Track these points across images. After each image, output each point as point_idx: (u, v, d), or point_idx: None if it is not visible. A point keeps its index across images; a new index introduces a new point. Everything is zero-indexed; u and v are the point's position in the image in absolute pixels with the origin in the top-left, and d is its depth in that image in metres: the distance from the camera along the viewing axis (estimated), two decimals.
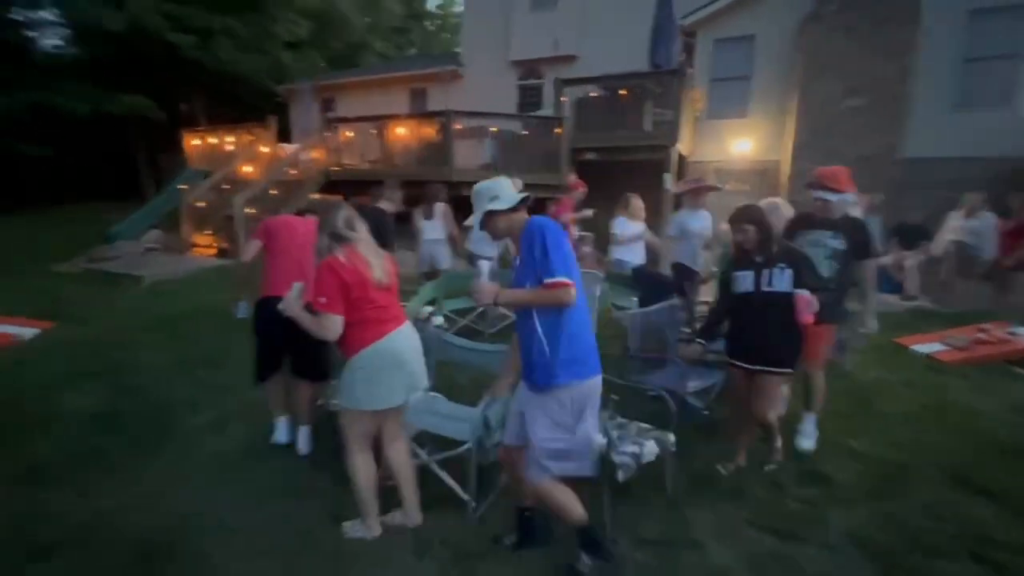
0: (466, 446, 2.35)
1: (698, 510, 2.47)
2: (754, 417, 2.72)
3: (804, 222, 3.03)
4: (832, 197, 2.85)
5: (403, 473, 2.29)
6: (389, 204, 4.28)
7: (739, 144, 9.66)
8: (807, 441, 3.03)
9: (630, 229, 4.90)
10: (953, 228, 6.31)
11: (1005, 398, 3.87)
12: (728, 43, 9.78)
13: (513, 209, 1.97)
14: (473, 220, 2.00)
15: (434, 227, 5.17)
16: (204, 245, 8.97)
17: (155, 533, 2.30)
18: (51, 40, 16.22)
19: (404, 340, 2.22)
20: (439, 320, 3.53)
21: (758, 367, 2.60)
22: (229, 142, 11.69)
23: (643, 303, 4.19)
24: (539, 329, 1.87)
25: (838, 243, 2.85)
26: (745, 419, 2.80)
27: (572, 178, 6.85)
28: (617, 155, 8.84)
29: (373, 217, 3.89)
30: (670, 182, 8.47)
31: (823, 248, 2.87)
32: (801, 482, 2.75)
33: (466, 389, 3.31)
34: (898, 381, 4.18)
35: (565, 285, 1.80)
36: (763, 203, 3.39)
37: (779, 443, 2.86)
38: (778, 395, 2.75)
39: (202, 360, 4.27)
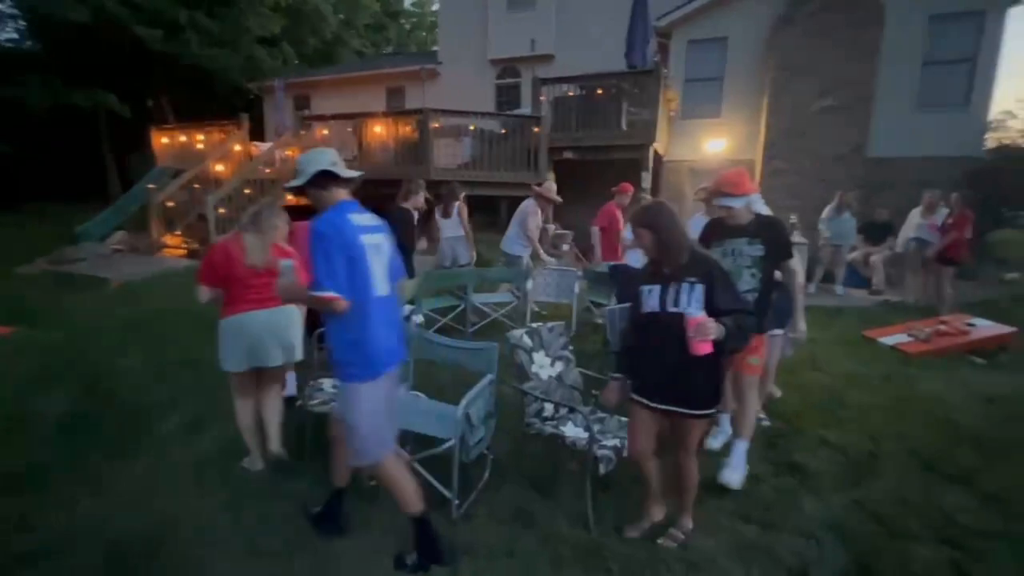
0: (448, 443, 2.33)
1: (679, 502, 2.50)
2: (677, 467, 2.24)
3: (717, 230, 2.73)
4: (736, 203, 2.60)
5: (269, 417, 2.74)
6: (413, 204, 4.60)
7: (713, 143, 9.85)
8: (734, 475, 2.62)
9: None
10: (914, 225, 6.56)
11: (967, 387, 4.04)
12: (701, 44, 9.96)
13: (312, 185, 1.95)
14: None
15: (453, 224, 5.36)
16: (174, 246, 8.70)
17: (135, 538, 2.22)
18: (6, 32, 15.52)
19: (253, 320, 2.60)
20: (419, 319, 3.50)
21: (667, 407, 2.09)
22: (200, 140, 11.36)
23: (621, 299, 4.23)
24: (328, 327, 1.94)
25: (756, 249, 2.59)
26: (650, 475, 2.28)
27: (645, 178, 6.97)
28: (594, 154, 8.91)
29: (398, 218, 4.31)
30: (648, 181, 8.58)
31: (742, 257, 2.61)
32: (778, 472, 2.81)
33: (447, 387, 3.29)
34: (869, 373, 4.32)
35: (327, 300, 1.79)
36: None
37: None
38: (697, 443, 2.21)
39: (175, 361, 4.14)
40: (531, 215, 5.18)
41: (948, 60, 8.61)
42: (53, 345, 4.53)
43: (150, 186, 9.38)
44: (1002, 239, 8.99)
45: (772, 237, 2.60)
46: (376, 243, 1.97)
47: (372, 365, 1.93)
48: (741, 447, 2.69)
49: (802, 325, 2.78)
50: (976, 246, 7.81)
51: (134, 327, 4.99)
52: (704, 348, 1.90)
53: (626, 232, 4.71)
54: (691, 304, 1.98)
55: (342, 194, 2.00)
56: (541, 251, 5.43)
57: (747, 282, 2.60)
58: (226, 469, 2.73)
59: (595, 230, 5.41)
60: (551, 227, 5.42)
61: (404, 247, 4.45)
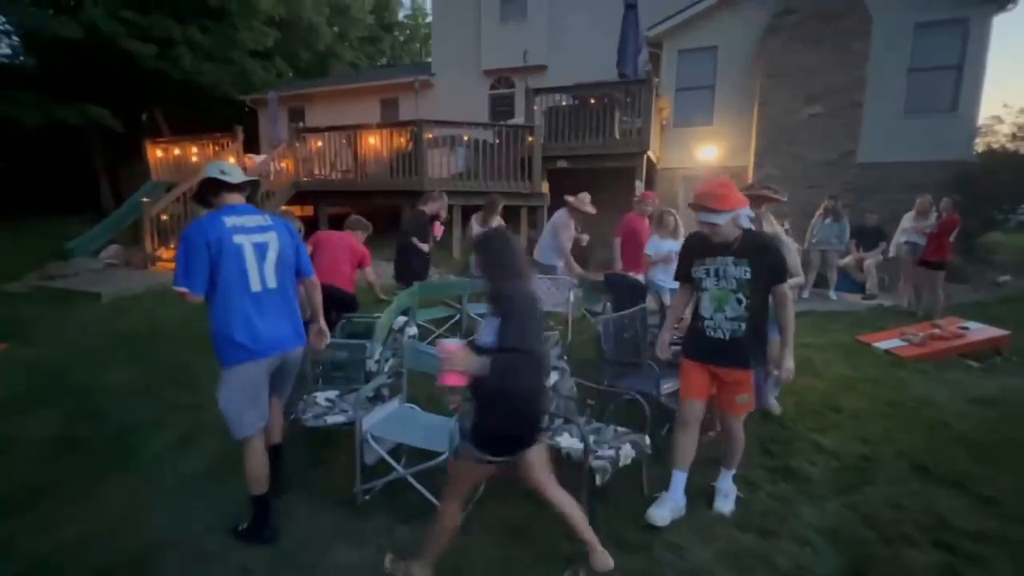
0: (443, 456, 2.32)
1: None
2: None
3: (699, 247, 2.41)
4: (719, 219, 2.26)
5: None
6: (430, 208, 5.00)
7: (705, 151, 9.93)
8: (725, 504, 2.53)
9: (664, 247, 4.34)
10: (905, 229, 6.62)
11: (961, 390, 4.06)
12: (692, 54, 10.09)
13: (201, 194, 2.28)
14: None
15: None
16: (168, 259, 8.66)
17: (122, 561, 2.19)
18: (0, 49, 15.54)
19: None
20: (413, 330, 3.50)
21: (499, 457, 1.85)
22: (194, 153, 11.37)
23: (616, 308, 4.24)
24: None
25: (742, 271, 2.28)
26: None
27: (639, 186, 6.89)
28: (588, 163, 8.97)
29: (410, 219, 5.08)
30: (641, 189, 8.63)
31: (726, 280, 2.32)
32: (773, 479, 2.81)
33: (442, 400, 3.28)
34: (863, 377, 4.34)
35: (180, 295, 2.14)
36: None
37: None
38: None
39: (166, 379, 4.11)
40: (563, 227, 5.09)
41: (935, 66, 8.75)
42: (43, 362, 4.50)
43: (144, 199, 9.35)
44: (993, 242, 9.07)
45: (760, 258, 2.29)
46: (258, 242, 2.18)
47: (235, 352, 2.14)
48: (728, 476, 2.56)
49: (789, 363, 2.39)
50: (967, 249, 7.90)
51: (126, 343, 4.96)
52: (451, 379, 1.69)
53: (649, 249, 4.42)
54: (485, 335, 1.82)
55: (232, 198, 2.25)
56: (574, 263, 5.26)
57: (733, 308, 2.32)
58: (215, 487, 2.70)
59: (616, 241, 5.20)
60: (584, 237, 5.37)
61: (412, 247, 4.79)
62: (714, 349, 2.39)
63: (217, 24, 15.05)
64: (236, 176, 2.25)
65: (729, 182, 2.38)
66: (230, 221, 2.13)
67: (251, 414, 2.21)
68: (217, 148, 10.82)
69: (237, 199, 2.27)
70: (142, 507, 2.56)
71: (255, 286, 2.16)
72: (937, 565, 2.16)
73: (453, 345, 1.71)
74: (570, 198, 5.16)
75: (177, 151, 11.61)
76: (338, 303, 3.68)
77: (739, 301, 2.31)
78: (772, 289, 2.33)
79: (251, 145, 12.30)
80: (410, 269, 4.83)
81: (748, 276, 2.28)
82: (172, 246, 8.82)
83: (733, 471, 2.58)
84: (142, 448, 3.12)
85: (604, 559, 1.96)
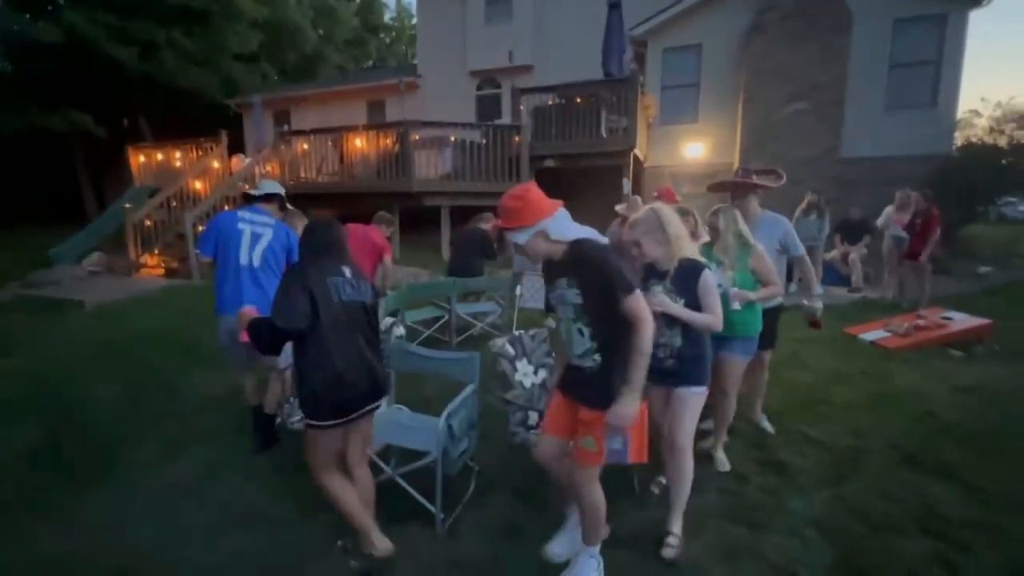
0: (431, 457, 2.30)
1: (666, 507, 2.48)
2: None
3: (546, 271, 2.02)
4: (516, 237, 1.86)
5: None
6: (490, 226, 5.22)
7: (691, 148, 9.99)
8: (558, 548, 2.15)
9: None
10: (889, 223, 6.70)
11: (945, 380, 4.11)
12: (677, 52, 10.15)
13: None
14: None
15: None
16: (152, 266, 8.55)
17: (104, 573, 2.14)
18: None
19: None
20: (400, 331, 3.47)
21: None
22: (178, 158, 11.23)
23: None
24: None
25: (574, 295, 1.86)
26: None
27: (626, 185, 6.90)
28: (575, 162, 8.99)
29: (475, 236, 5.35)
30: (629, 187, 8.66)
31: (566, 307, 1.92)
32: (763, 472, 2.82)
33: (431, 400, 3.26)
34: (850, 369, 4.37)
35: (196, 255, 3.42)
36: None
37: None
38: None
39: (151, 387, 4.04)
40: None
41: (914, 62, 8.87)
42: (23, 372, 4.40)
43: (127, 205, 9.21)
44: (974, 234, 9.22)
45: (585, 276, 1.83)
46: (256, 232, 3.02)
47: (218, 304, 2.96)
48: (587, 557, 2.03)
49: (623, 407, 1.75)
50: (949, 242, 8.02)
51: (109, 351, 4.87)
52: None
53: None
54: None
55: (251, 202, 3.20)
56: None
57: (579, 342, 1.89)
58: (200, 496, 2.65)
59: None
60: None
61: (476, 261, 5.27)
62: (571, 379, 1.98)
63: (201, 27, 14.88)
64: (259, 190, 3.26)
65: (526, 190, 1.90)
66: (242, 215, 3.04)
67: (227, 353, 3.01)
68: (201, 152, 10.69)
69: (260, 204, 3.17)
70: (125, 518, 2.50)
71: (243, 260, 2.94)
72: (926, 553, 2.17)
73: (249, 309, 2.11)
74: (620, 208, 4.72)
75: (160, 156, 11.45)
76: None
77: (580, 332, 1.88)
78: (622, 302, 1.75)
79: (236, 149, 12.17)
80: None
81: (580, 300, 1.86)
82: (156, 252, 8.71)
83: (592, 548, 2.02)
84: (125, 458, 3.06)
85: (383, 543, 2.07)
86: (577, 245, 1.85)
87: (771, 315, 2.93)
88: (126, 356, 4.75)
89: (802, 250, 3.04)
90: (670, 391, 2.24)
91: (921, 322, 5.11)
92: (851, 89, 8.92)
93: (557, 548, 2.15)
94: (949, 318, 5.18)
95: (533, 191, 1.90)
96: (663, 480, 2.48)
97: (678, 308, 2.18)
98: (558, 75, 10.28)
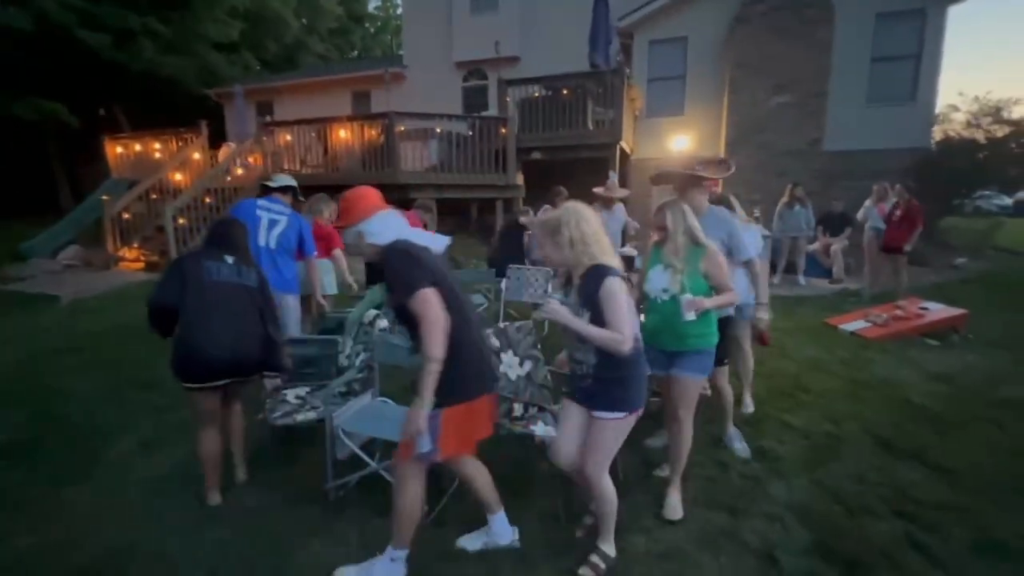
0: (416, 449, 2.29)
1: (648, 495, 2.52)
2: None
3: (369, 273, 2.26)
4: (347, 235, 1.95)
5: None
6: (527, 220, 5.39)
7: (677, 141, 10.04)
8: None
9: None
10: (868, 215, 6.82)
11: (922, 368, 4.21)
12: (663, 44, 10.16)
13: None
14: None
15: None
16: (131, 259, 8.37)
17: (85, 569, 2.11)
18: None
19: None
20: (384, 323, 3.45)
21: None
22: (157, 149, 10.99)
23: None
24: None
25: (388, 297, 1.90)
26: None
27: (612, 177, 7.15)
28: (562, 154, 8.98)
29: (514, 227, 5.62)
30: (615, 179, 8.67)
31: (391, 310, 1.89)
32: (744, 459, 2.87)
33: None
34: (830, 358, 4.46)
35: None
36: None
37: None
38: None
39: (130, 381, 3.97)
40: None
41: (895, 56, 9.00)
42: None
43: (104, 197, 8.99)
44: (951, 226, 9.42)
45: (386, 278, 1.84)
46: (273, 219, 3.44)
47: None
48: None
49: (416, 420, 1.77)
50: (927, 234, 8.18)
51: (87, 345, 4.78)
52: None
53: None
54: None
55: (269, 193, 3.62)
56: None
57: (405, 344, 1.89)
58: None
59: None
60: (630, 222, 5.65)
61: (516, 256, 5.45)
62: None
63: (178, 14, 14.50)
64: (276, 182, 3.66)
65: (357, 191, 1.96)
66: (260, 203, 3.49)
67: None
68: (181, 143, 10.47)
69: (276, 194, 3.58)
70: (104, 513, 2.47)
71: (261, 242, 3.35)
72: (898, 534, 2.24)
73: None
74: (597, 190, 5.15)
75: (138, 147, 11.20)
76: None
77: (403, 332, 1.87)
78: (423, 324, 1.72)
79: (218, 140, 11.94)
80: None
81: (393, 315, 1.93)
82: (135, 246, 8.53)
83: (396, 551, 1.95)
84: (104, 452, 3.01)
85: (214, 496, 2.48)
86: (383, 249, 1.86)
87: (721, 326, 2.54)
88: (104, 350, 4.66)
89: (749, 254, 2.70)
90: (589, 413, 1.99)
91: (899, 312, 5.22)
92: (834, 82, 9.02)
93: (473, 543, 2.18)
94: (926, 308, 5.30)
95: (364, 192, 1.97)
96: (588, 521, 2.27)
97: (568, 318, 1.87)
98: (545, 67, 10.24)
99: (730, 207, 3.18)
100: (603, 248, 1.92)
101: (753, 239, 3.19)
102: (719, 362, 2.70)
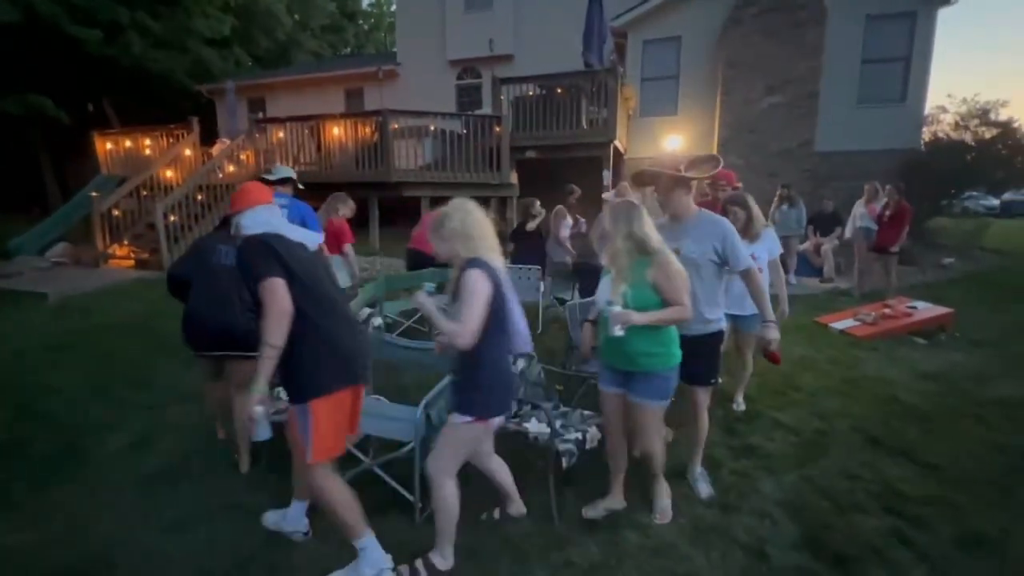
0: (409, 446, 2.31)
1: (641, 491, 2.54)
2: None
3: None
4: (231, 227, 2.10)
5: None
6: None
7: (671, 140, 10.08)
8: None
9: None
10: (858, 215, 6.89)
11: (910, 366, 4.27)
12: (656, 44, 10.21)
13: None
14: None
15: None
16: (121, 257, 8.28)
17: (73, 567, 2.09)
18: None
19: None
20: (378, 321, 3.45)
21: None
22: (147, 145, 10.86)
23: (583, 295, 4.28)
24: None
25: None
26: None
27: (606, 176, 7.43)
28: (556, 152, 8.99)
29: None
30: (609, 178, 8.72)
31: None
32: (735, 456, 2.90)
33: (409, 390, 3.25)
34: (819, 356, 4.51)
35: None
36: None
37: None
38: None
39: (120, 379, 3.94)
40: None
41: (885, 58, 9.10)
42: None
43: (93, 194, 8.88)
44: (939, 226, 9.54)
45: (239, 267, 1.94)
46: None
47: None
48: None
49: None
50: (916, 234, 8.28)
51: (76, 344, 4.72)
52: None
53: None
54: None
55: (281, 189, 3.68)
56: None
57: None
58: (171, 489, 2.61)
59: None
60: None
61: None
62: None
63: (169, 9, 14.35)
64: (274, 175, 3.74)
65: (244, 185, 2.14)
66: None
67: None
68: (171, 140, 10.35)
69: (277, 187, 3.60)
70: (93, 511, 2.45)
71: None
72: (886, 530, 2.27)
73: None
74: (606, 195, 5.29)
75: (128, 143, 11.05)
76: (426, 262, 4.51)
77: None
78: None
79: (209, 137, 11.83)
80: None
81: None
82: (125, 243, 8.44)
83: (359, 540, 1.95)
84: (95, 450, 2.99)
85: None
86: (243, 239, 1.94)
87: (708, 343, 2.38)
88: (94, 348, 4.62)
89: (746, 263, 2.32)
90: None
91: (888, 311, 5.29)
92: (825, 84, 9.11)
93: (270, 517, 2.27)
94: (914, 307, 5.37)
95: (248, 187, 2.11)
96: (496, 514, 2.34)
97: (430, 310, 1.87)
98: (539, 65, 10.24)
99: (745, 207, 3.04)
100: (485, 243, 1.91)
101: (770, 243, 3.15)
102: (704, 382, 2.44)
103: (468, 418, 1.89)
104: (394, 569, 1.97)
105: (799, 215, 7.49)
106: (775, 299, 2.93)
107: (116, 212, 8.48)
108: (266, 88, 15.07)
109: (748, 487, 2.61)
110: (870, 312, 5.31)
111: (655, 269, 2.04)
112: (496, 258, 1.93)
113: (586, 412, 2.72)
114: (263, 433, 1.85)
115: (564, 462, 2.34)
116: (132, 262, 8.10)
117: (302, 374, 1.83)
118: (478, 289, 1.78)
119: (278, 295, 1.77)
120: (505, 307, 1.91)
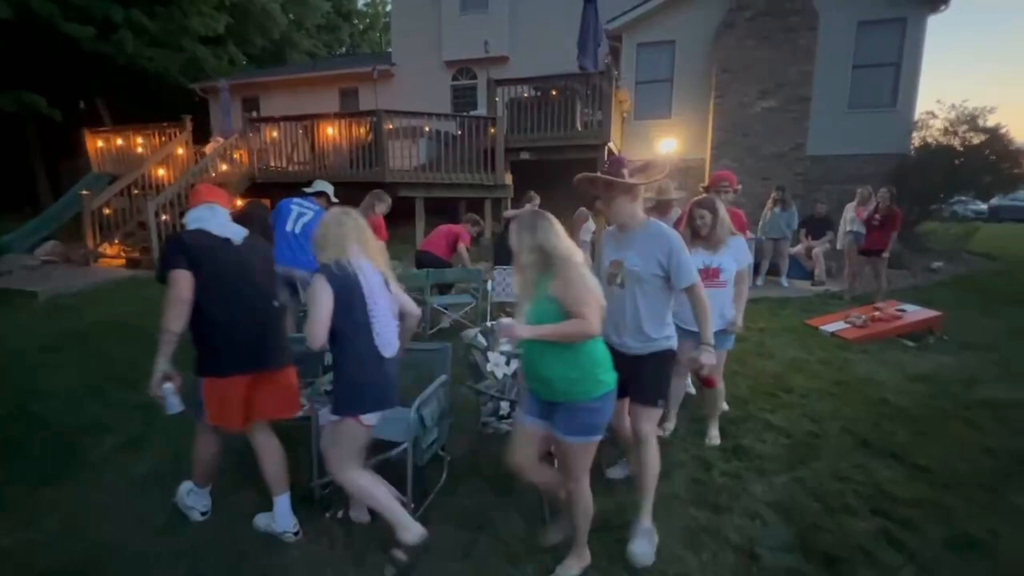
0: (402, 447, 2.30)
1: (632, 492, 2.54)
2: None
3: None
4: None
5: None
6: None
7: (665, 143, 10.13)
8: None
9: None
10: (848, 219, 6.95)
11: (899, 368, 4.31)
12: (651, 47, 10.25)
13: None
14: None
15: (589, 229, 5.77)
16: (112, 255, 8.21)
17: (67, 568, 2.08)
18: None
19: None
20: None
21: None
22: (139, 144, 10.77)
23: None
24: None
25: None
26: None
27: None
28: (550, 154, 9.01)
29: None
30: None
31: None
32: (727, 458, 2.92)
33: (406, 390, 3.23)
34: (810, 359, 4.55)
35: None
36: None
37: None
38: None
39: (112, 379, 3.90)
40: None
41: (876, 63, 9.19)
42: None
43: (83, 192, 8.79)
44: (928, 231, 9.65)
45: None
46: (302, 212, 4.12)
47: (277, 258, 2.94)
48: None
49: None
50: (905, 238, 8.38)
51: (66, 343, 4.68)
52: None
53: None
54: None
55: (303, 194, 4.28)
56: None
57: None
58: (165, 491, 2.58)
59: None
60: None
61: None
62: None
63: (163, 7, 14.25)
64: (312, 188, 4.32)
65: (197, 188, 2.40)
66: (297, 200, 4.21)
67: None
68: (164, 138, 10.28)
69: (312, 197, 4.26)
70: (85, 512, 2.43)
71: (288, 228, 4.05)
72: (875, 531, 2.29)
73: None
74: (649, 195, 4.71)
75: (120, 141, 10.96)
76: (432, 263, 5.21)
77: None
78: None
79: (202, 135, 11.76)
80: None
81: None
82: (116, 241, 8.37)
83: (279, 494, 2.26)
84: (88, 451, 2.96)
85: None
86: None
87: (651, 362, 2.14)
88: (84, 347, 4.57)
89: (689, 280, 2.07)
90: None
91: (878, 314, 5.34)
92: (817, 88, 9.18)
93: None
94: (904, 310, 5.42)
95: (198, 188, 2.36)
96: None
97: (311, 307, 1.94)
98: (534, 67, 10.27)
99: (713, 210, 2.85)
100: (338, 249, 1.99)
101: (737, 252, 2.92)
102: (644, 400, 2.16)
103: (335, 417, 2.01)
104: (390, 558, 1.99)
105: (790, 218, 7.55)
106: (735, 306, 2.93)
107: (107, 211, 8.41)
108: (260, 87, 15.01)
109: (739, 488, 2.63)
110: (860, 315, 5.36)
111: (556, 281, 1.82)
112: (366, 262, 2.03)
113: None
114: (173, 407, 2.05)
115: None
116: (123, 261, 8.03)
117: (201, 354, 2.13)
118: (316, 294, 1.90)
119: (178, 285, 1.99)
120: (363, 309, 1.97)
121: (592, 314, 1.78)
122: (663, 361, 2.18)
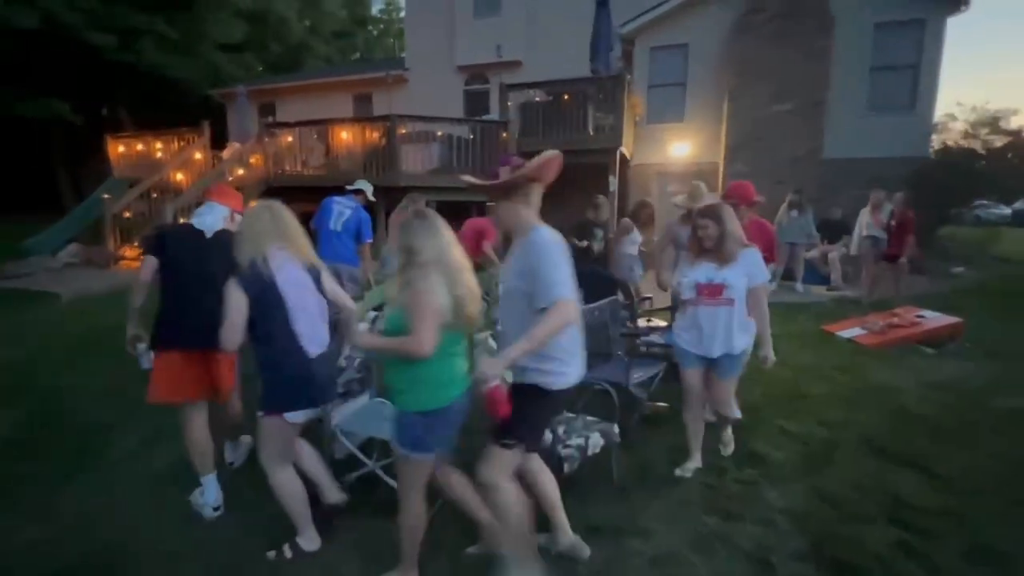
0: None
1: (644, 498, 2.54)
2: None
3: None
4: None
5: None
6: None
7: (678, 147, 10.08)
8: None
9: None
10: (864, 224, 6.85)
11: (917, 375, 4.23)
12: (664, 51, 10.22)
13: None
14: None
15: (631, 241, 5.28)
16: (132, 258, 8.39)
17: (81, 563, 2.12)
18: None
19: None
20: (382, 326, 3.46)
21: None
22: (159, 149, 11.02)
23: (586, 301, 4.27)
24: None
25: None
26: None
27: (612, 182, 7.00)
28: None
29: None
30: (615, 184, 8.72)
31: None
32: (740, 464, 2.88)
33: None
34: (826, 365, 4.47)
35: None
36: None
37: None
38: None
39: (130, 379, 3.96)
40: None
41: (894, 66, 9.06)
42: None
43: (105, 196, 9.02)
44: (948, 235, 9.46)
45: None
46: (342, 211, 4.43)
47: (321, 254, 3.05)
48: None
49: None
50: (925, 242, 8.22)
51: (88, 343, 4.79)
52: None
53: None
54: None
55: (352, 193, 4.62)
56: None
57: None
58: (182, 489, 2.62)
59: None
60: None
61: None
62: None
63: (183, 15, 14.59)
64: (352, 186, 4.64)
65: (210, 189, 2.75)
66: (337, 199, 4.50)
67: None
68: (182, 143, 10.50)
69: (351, 194, 4.58)
70: (103, 509, 2.49)
71: (331, 226, 4.38)
72: (892, 541, 2.25)
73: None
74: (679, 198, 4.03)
75: (140, 146, 11.23)
76: None
77: None
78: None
79: (220, 141, 11.97)
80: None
81: None
82: (136, 244, 8.54)
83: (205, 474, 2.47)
84: (105, 449, 3.03)
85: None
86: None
87: (516, 394, 1.73)
88: (106, 347, 4.66)
89: (547, 301, 1.71)
90: None
91: (896, 320, 5.24)
92: (833, 91, 9.07)
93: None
94: (922, 316, 5.32)
95: (213, 186, 2.73)
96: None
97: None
98: (546, 71, 10.29)
99: (719, 220, 2.55)
100: (253, 247, 2.00)
101: (751, 267, 2.58)
102: (494, 440, 1.83)
103: (260, 413, 2.08)
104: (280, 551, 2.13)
105: (807, 222, 7.45)
106: (758, 336, 2.66)
107: (127, 214, 8.61)
108: (276, 93, 15.24)
109: (753, 495, 2.59)
110: (877, 321, 5.26)
111: (411, 293, 1.69)
112: (287, 258, 2.04)
113: (589, 418, 2.71)
114: (144, 363, 2.44)
115: (566, 467, 2.33)
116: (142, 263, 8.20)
117: (154, 327, 2.41)
118: (227, 298, 1.93)
119: (142, 269, 2.40)
120: (280, 308, 1.98)
121: (424, 331, 1.63)
122: (527, 396, 1.81)
